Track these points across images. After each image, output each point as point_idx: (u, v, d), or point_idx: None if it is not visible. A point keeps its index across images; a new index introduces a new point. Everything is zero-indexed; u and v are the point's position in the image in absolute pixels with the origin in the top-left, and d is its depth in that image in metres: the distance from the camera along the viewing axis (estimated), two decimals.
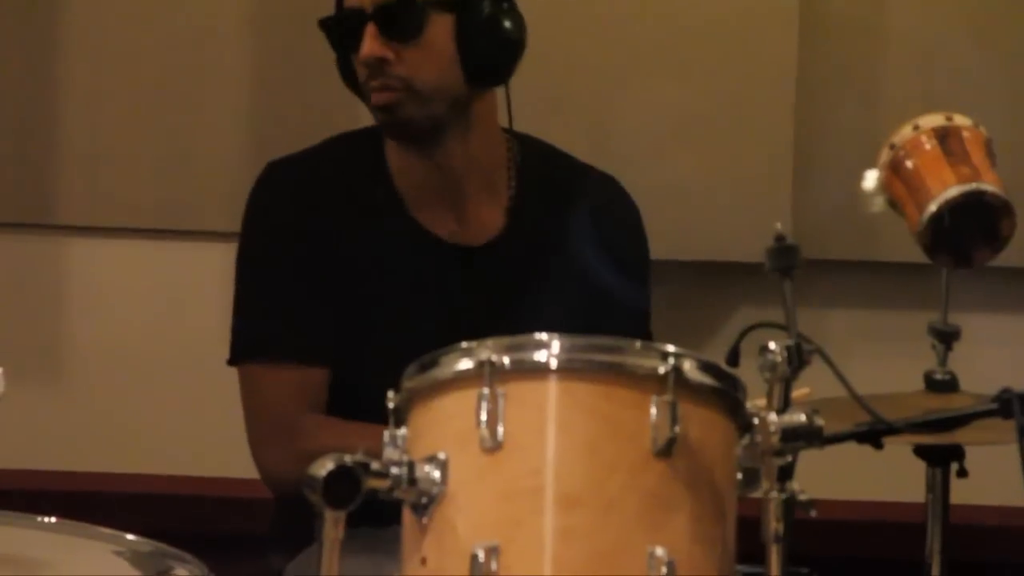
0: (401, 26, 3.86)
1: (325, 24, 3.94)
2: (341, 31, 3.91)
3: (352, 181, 3.98)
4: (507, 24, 3.90)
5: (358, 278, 3.92)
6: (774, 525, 3.12)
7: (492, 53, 3.91)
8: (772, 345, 3.13)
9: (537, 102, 4.01)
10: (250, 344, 3.94)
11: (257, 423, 3.92)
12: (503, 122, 4.00)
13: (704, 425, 3.16)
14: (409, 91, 3.86)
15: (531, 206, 4.00)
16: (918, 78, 4.69)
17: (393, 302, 3.90)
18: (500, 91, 3.98)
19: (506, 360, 3.15)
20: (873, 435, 3.40)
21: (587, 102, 4.05)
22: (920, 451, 3.77)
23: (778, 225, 3.34)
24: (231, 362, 3.96)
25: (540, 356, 3.16)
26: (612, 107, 4.58)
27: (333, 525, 3.12)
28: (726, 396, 3.18)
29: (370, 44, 3.84)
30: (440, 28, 3.87)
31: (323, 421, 3.87)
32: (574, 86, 4.13)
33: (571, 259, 3.95)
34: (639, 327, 3.95)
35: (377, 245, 3.95)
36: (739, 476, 3.18)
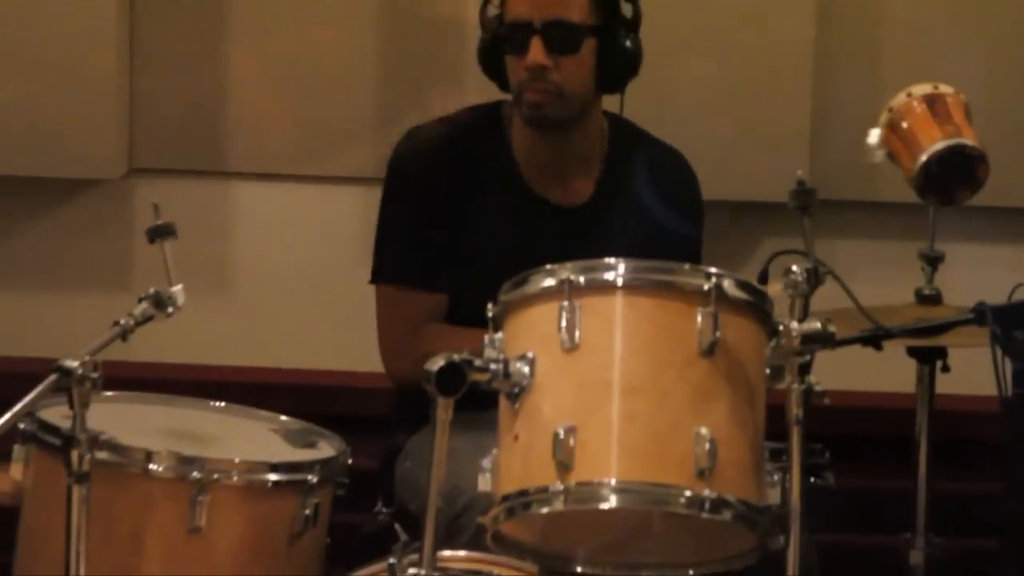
0: (564, 42, 3.81)
1: (493, 23, 3.89)
2: (508, 35, 3.86)
3: (477, 149, 3.96)
4: (632, 47, 3.89)
5: (479, 227, 3.90)
6: (795, 411, 3.11)
7: (621, 70, 3.89)
8: (794, 267, 3.13)
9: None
10: (387, 270, 3.93)
11: (387, 335, 3.92)
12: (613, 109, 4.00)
13: (740, 331, 3.16)
14: (559, 95, 3.83)
15: (614, 177, 3.97)
16: (912, 54, 4.67)
17: (506, 246, 3.88)
18: None
19: (582, 279, 3.16)
20: (875, 339, 3.40)
21: (647, 77, 4.03)
22: (912, 352, 3.76)
23: (799, 172, 3.34)
24: (371, 281, 3.96)
25: (609, 276, 3.16)
26: (665, 80, 4.57)
27: (444, 409, 3.14)
28: (757, 308, 3.19)
29: (536, 53, 3.80)
30: (588, 47, 3.84)
31: (439, 328, 3.87)
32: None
33: (641, 214, 3.95)
34: (693, 259, 3.94)
35: (495, 202, 3.93)
36: (767, 371, 3.17)
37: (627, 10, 3.88)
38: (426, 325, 3.89)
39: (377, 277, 3.95)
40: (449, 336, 3.79)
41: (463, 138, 3.98)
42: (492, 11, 3.90)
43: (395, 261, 3.93)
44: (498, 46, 3.89)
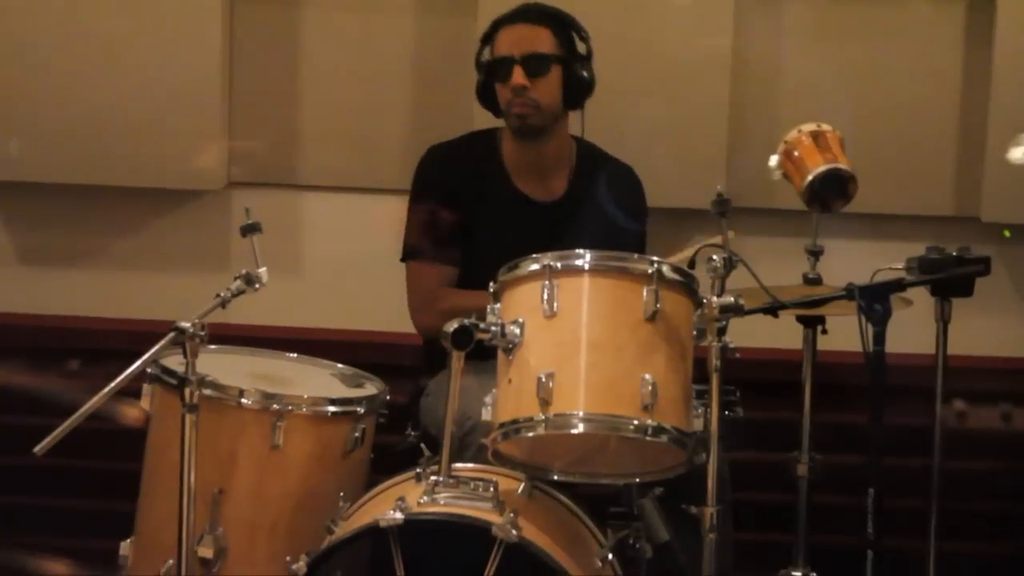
0: (537, 67, 3.79)
1: (485, 64, 3.87)
2: (496, 68, 3.83)
3: (478, 160, 3.92)
4: (586, 77, 3.85)
5: (480, 218, 3.86)
6: (714, 362, 3.11)
7: (578, 90, 3.86)
8: (714, 256, 3.12)
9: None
10: (414, 250, 3.90)
11: (414, 298, 3.88)
12: (576, 131, 3.96)
13: (674, 303, 3.16)
14: (537, 108, 3.80)
15: (581, 180, 3.93)
16: (802, 100, 4.62)
17: (500, 233, 3.84)
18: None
19: (559, 264, 3.16)
20: (773, 310, 3.38)
21: (607, 116, 3.99)
22: (799, 319, 3.74)
23: (719, 187, 3.33)
24: (402, 259, 3.93)
25: (579, 262, 3.17)
26: (621, 118, 4.50)
27: (457, 359, 3.14)
28: (687, 286, 3.19)
29: (518, 77, 3.78)
30: (556, 72, 3.81)
31: (451, 291, 3.82)
32: (597, 105, 4.05)
33: (602, 210, 3.92)
34: (639, 248, 3.92)
35: (491, 199, 3.89)
36: (694, 333, 3.17)
37: (582, 47, 3.85)
38: (441, 289, 3.85)
39: (406, 255, 3.93)
40: (458, 297, 3.78)
41: (468, 153, 3.94)
42: (484, 57, 3.88)
43: (418, 243, 3.89)
44: (490, 82, 3.87)
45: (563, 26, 3.85)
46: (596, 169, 3.97)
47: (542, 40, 3.82)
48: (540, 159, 3.91)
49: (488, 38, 3.87)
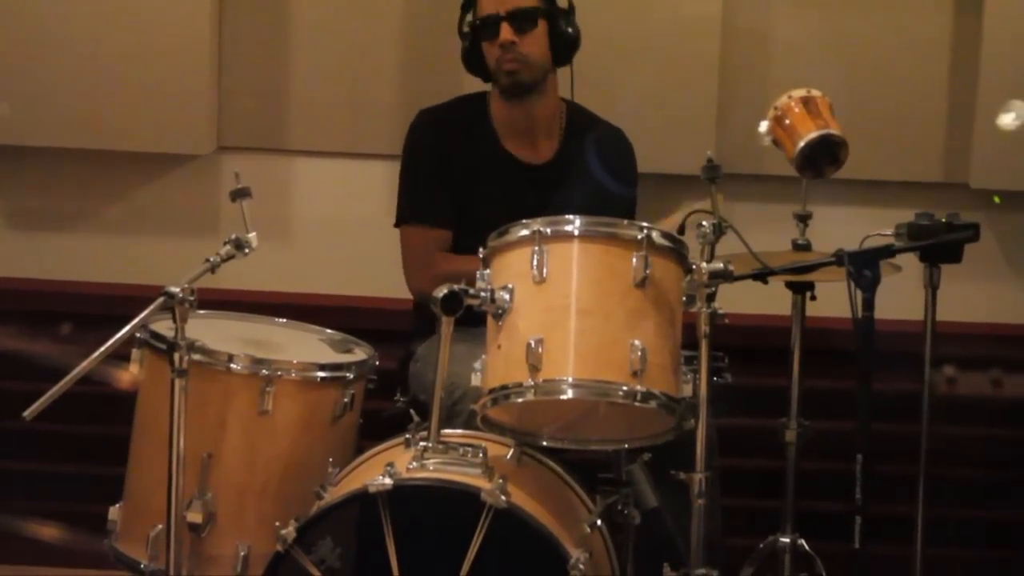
0: (523, 22, 3.79)
1: (470, 27, 3.86)
2: (482, 28, 3.83)
3: (468, 123, 3.91)
4: (572, 31, 3.86)
5: (471, 181, 3.86)
6: (704, 328, 3.09)
7: (565, 45, 3.86)
8: (704, 222, 3.11)
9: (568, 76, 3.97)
10: (407, 214, 3.89)
11: (409, 262, 3.86)
12: (565, 91, 3.96)
13: (664, 269, 3.15)
14: (526, 63, 3.80)
15: (571, 142, 3.93)
16: (792, 66, 4.60)
17: (491, 195, 3.84)
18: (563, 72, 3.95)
19: (548, 230, 3.15)
20: (762, 275, 3.37)
21: (598, 81, 3.98)
22: (788, 285, 3.73)
23: (709, 152, 3.32)
24: (395, 225, 3.92)
25: (568, 227, 3.15)
26: (611, 83, 4.50)
27: (447, 325, 3.12)
28: (677, 252, 3.18)
29: (505, 33, 3.78)
30: (542, 26, 3.81)
31: (447, 255, 3.82)
32: (587, 70, 4.05)
33: (592, 174, 3.91)
34: (629, 214, 3.91)
35: (482, 162, 3.88)
36: (684, 299, 3.16)
37: (563, 2, 3.87)
38: (437, 253, 3.84)
39: (400, 220, 3.91)
40: (454, 261, 3.77)
41: (458, 115, 3.92)
42: (466, 24, 3.87)
43: (412, 207, 3.88)
44: (476, 45, 3.86)
45: None
46: (586, 131, 3.96)
47: None
48: (530, 121, 3.90)
49: (469, 4, 3.87)
